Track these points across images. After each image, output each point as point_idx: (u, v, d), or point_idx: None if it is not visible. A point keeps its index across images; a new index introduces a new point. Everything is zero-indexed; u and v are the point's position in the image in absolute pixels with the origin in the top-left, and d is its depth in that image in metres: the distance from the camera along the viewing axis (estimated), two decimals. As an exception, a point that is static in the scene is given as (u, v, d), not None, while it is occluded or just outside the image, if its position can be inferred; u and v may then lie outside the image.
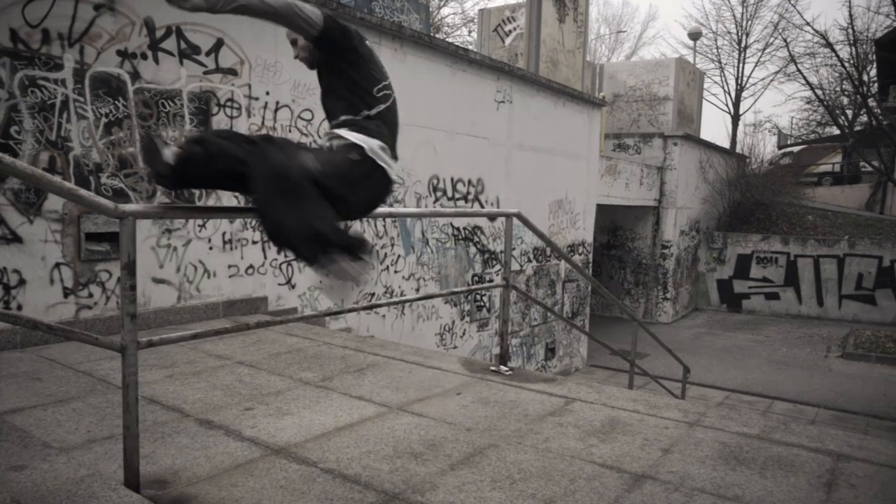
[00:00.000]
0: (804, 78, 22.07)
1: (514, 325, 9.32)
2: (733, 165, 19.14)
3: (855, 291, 15.90)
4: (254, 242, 5.38)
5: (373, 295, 6.58)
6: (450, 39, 21.00)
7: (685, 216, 16.22)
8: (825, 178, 25.21)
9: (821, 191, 23.63)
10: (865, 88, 20.43)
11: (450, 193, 7.57)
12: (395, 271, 6.89)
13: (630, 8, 72.74)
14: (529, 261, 9.59)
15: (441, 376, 3.67)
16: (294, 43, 2.51)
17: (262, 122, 5.36)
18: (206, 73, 4.92)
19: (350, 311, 3.41)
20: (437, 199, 7.38)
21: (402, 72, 6.73)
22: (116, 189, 4.43)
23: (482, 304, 8.46)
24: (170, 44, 4.67)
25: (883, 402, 9.54)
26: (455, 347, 7.94)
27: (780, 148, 29.72)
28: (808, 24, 25.97)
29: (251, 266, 5.37)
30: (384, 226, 6.73)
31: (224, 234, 5.15)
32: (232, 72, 5.10)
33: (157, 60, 4.60)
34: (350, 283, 2.27)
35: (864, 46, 20.83)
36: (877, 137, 19.97)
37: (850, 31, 19.26)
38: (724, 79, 36.65)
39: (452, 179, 7.59)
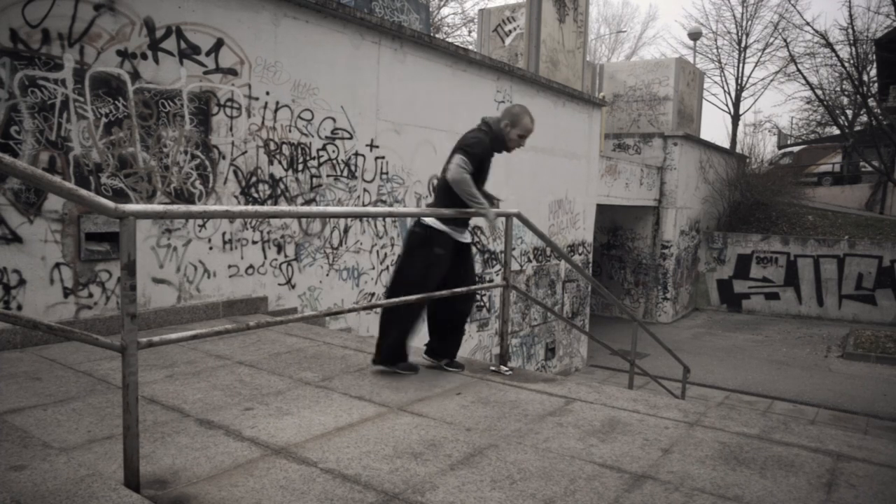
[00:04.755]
0: (804, 78, 22.12)
1: (514, 325, 9.32)
2: (733, 165, 19.14)
3: (855, 291, 15.90)
4: (254, 242, 5.38)
5: (373, 295, 6.58)
6: (450, 39, 21.01)
7: (685, 216, 16.22)
8: (825, 178, 25.22)
9: (821, 191, 23.65)
10: (865, 88, 20.46)
11: (450, 193, 7.55)
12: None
13: (630, 8, 72.82)
14: (529, 261, 9.59)
15: (441, 376, 3.67)
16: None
17: (262, 122, 5.36)
18: (206, 73, 4.92)
19: (350, 311, 3.41)
20: (437, 199, 7.37)
21: (403, 72, 6.74)
22: (116, 189, 4.43)
23: (482, 304, 8.46)
24: (170, 44, 4.67)
25: (883, 402, 9.55)
26: (455, 347, 7.93)
27: (780, 148, 29.75)
28: (808, 24, 26.05)
29: (251, 266, 5.37)
30: (384, 226, 6.73)
31: (224, 234, 5.15)
32: (232, 72, 5.10)
33: (157, 60, 4.60)
34: None
35: (864, 46, 20.85)
36: (877, 137, 19.99)
37: (850, 31, 19.31)
38: (724, 79, 36.74)
39: (452, 179, 7.58)
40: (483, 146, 3.60)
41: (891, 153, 20.77)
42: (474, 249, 8.18)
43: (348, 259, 6.30)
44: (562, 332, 10.63)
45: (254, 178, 5.35)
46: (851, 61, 20.12)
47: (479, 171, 3.63)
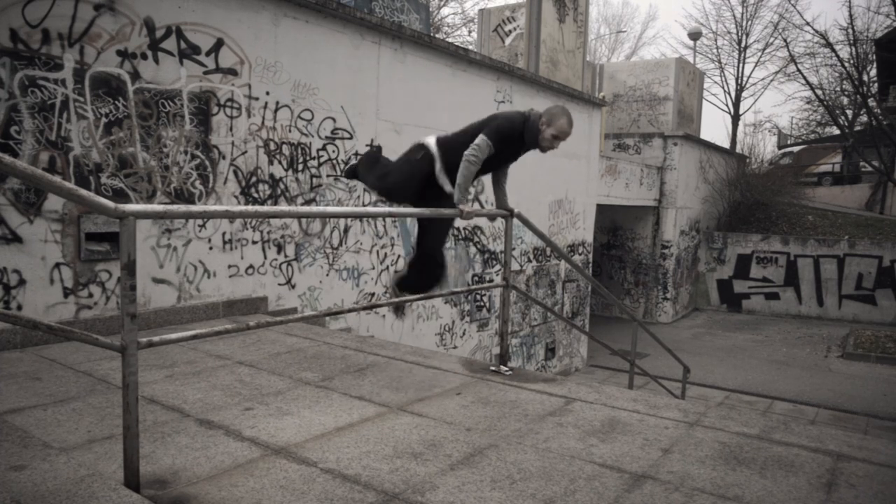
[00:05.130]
0: (804, 78, 22.12)
1: (514, 325, 9.32)
2: (733, 165, 19.14)
3: (855, 291, 15.90)
4: (254, 242, 5.38)
5: (373, 295, 6.58)
6: (450, 39, 21.01)
7: (685, 216, 16.22)
8: (825, 178, 25.23)
9: (821, 191, 23.65)
10: (865, 88, 20.46)
11: (450, 193, 7.55)
12: (395, 271, 6.89)
13: (630, 8, 72.86)
14: (529, 261, 9.58)
15: (441, 376, 3.67)
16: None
17: (262, 122, 5.36)
18: (206, 73, 4.92)
19: (350, 311, 3.41)
20: (437, 199, 7.37)
21: (402, 72, 6.74)
22: (116, 189, 4.43)
23: (482, 304, 8.46)
24: (170, 44, 4.68)
25: (883, 402, 9.55)
26: (455, 347, 7.94)
27: (780, 148, 29.75)
28: (808, 24, 26.08)
29: (251, 266, 5.37)
30: (384, 226, 6.73)
31: (224, 234, 5.15)
32: (232, 72, 5.10)
33: (157, 60, 4.60)
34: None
35: (864, 46, 20.86)
36: (877, 137, 19.99)
37: (850, 31, 19.32)
38: (724, 79, 36.78)
39: (452, 179, 7.58)
40: (512, 125, 3.53)
41: (891, 153, 20.77)
42: (472, 245, 8.17)
43: (348, 259, 6.30)
44: (562, 332, 10.63)
45: (254, 178, 5.35)
46: (851, 61, 20.13)
47: (499, 153, 3.54)
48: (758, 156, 22.34)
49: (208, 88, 4.95)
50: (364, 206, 6.41)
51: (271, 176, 5.49)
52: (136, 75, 4.49)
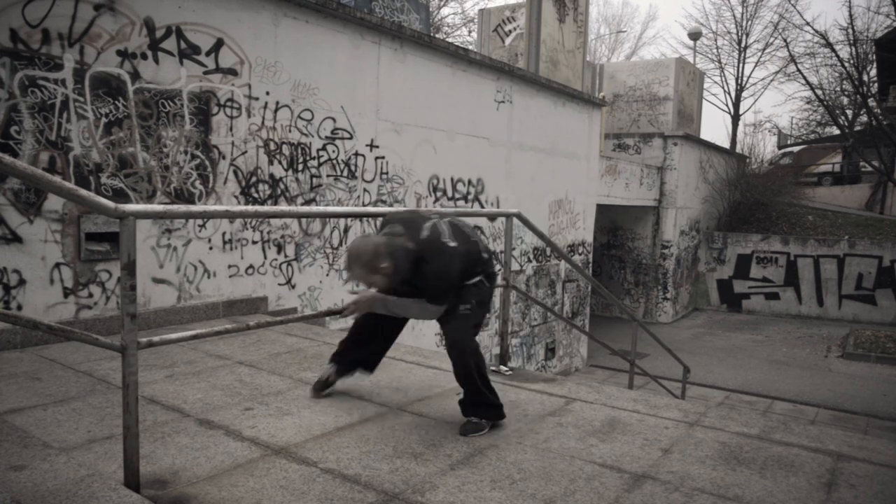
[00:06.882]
0: (804, 78, 22.14)
1: (514, 325, 9.32)
2: (733, 165, 19.14)
3: (855, 291, 15.89)
4: (254, 242, 5.38)
5: (373, 295, 6.58)
6: (450, 39, 21.00)
7: (685, 216, 16.21)
8: (825, 178, 25.23)
9: (821, 191, 23.65)
10: (865, 88, 20.47)
11: (450, 193, 7.56)
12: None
13: (630, 8, 72.97)
14: (529, 261, 9.58)
15: (441, 376, 3.67)
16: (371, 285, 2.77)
17: (262, 122, 5.36)
18: (206, 73, 4.92)
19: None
20: (437, 199, 7.38)
21: (402, 72, 6.74)
22: (116, 189, 4.43)
23: (482, 304, 8.44)
24: (170, 44, 4.67)
25: (883, 402, 9.55)
26: (455, 347, 7.93)
27: (780, 148, 29.76)
28: (808, 24, 26.07)
29: (251, 266, 5.37)
30: (384, 226, 6.72)
31: (224, 234, 5.15)
32: (232, 72, 5.10)
33: (157, 60, 4.60)
34: None
35: (864, 46, 20.87)
36: (877, 137, 20.00)
37: (850, 31, 19.32)
38: (724, 79, 36.77)
39: (452, 179, 7.59)
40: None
41: (891, 153, 20.78)
42: None
43: (348, 259, 6.29)
44: (562, 332, 10.63)
45: (254, 178, 5.35)
46: (851, 61, 20.14)
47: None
48: (758, 156, 22.38)
49: (208, 88, 4.95)
50: (364, 206, 6.41)
51: (271, 176, 5.49)
52: (136, 75, 4.49)
